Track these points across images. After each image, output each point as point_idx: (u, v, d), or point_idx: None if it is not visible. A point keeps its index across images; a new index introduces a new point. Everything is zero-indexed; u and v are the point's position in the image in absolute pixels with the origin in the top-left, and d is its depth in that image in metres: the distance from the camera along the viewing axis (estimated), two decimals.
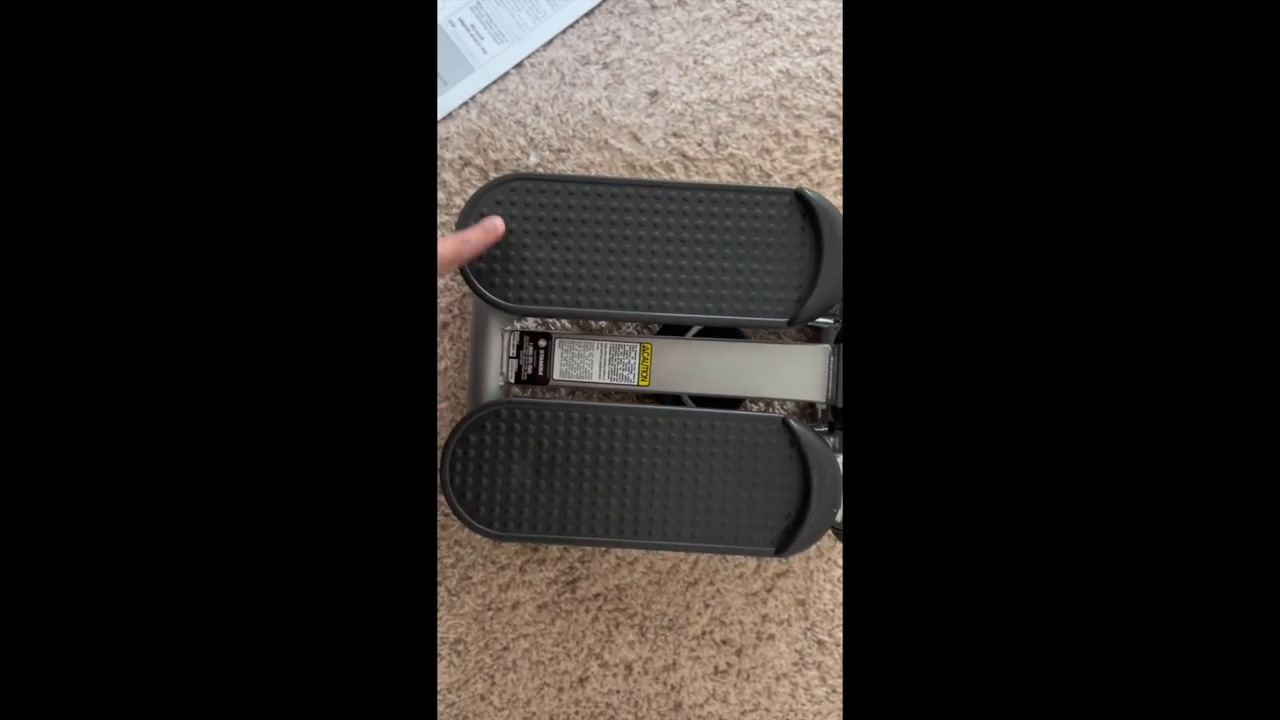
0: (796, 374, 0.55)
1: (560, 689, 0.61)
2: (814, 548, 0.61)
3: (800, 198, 0.51)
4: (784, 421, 0.51)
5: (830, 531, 0.55)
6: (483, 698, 0.61)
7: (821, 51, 0.63)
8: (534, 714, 0.61)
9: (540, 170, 0.62)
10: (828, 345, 0.55)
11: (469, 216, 0.51)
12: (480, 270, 0.51)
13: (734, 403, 0.57)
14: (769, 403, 0.61)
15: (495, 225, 0.48)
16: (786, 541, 0.50)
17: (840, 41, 0.63)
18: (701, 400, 0.57)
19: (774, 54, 0.63)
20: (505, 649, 0.61)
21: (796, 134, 0.62)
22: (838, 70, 0.63)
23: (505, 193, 0.51)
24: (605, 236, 0.51)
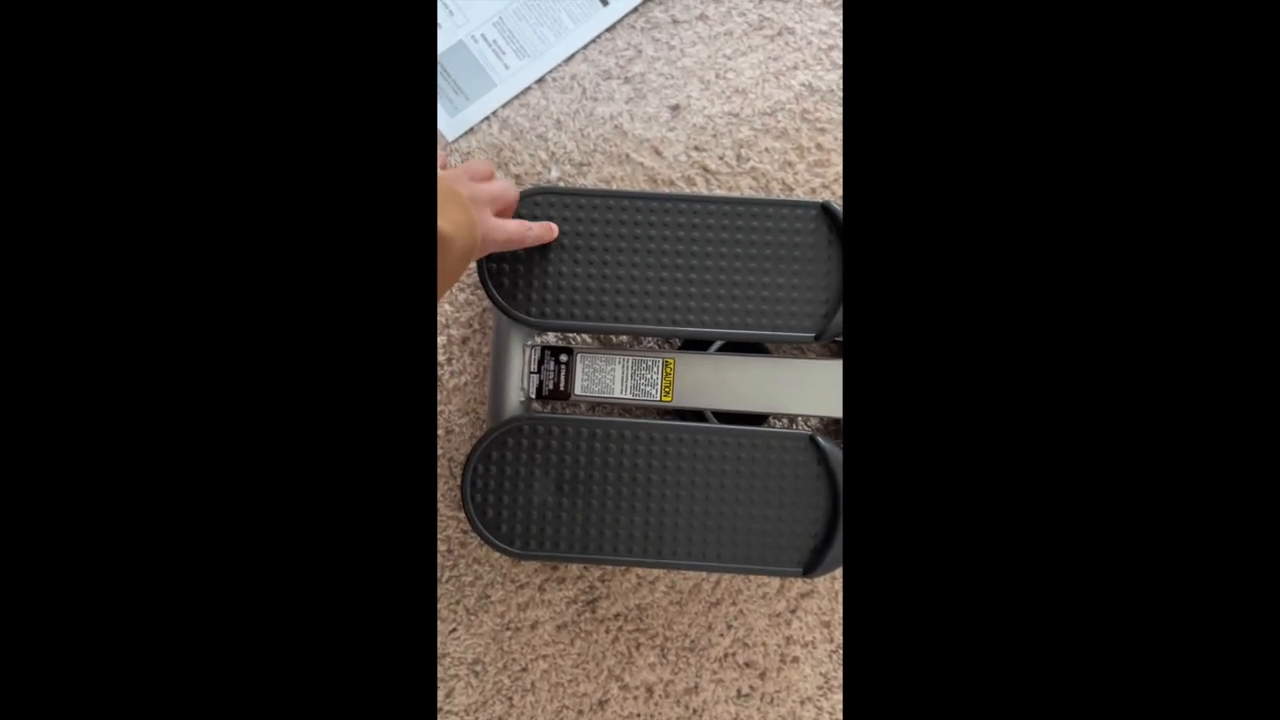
0: (822, 390, 0.54)
1: (580, 712, 0.60)
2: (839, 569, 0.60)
3: (827, 211, 0.51)
4: (811, 439, 0.50)
5: None
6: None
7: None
8: None
9: (562, 184, 0.61)
10: None
11: None
12: (502, 285, 0.51)
13: (758, 419, 0.56)
14: (793, 419, 0.60)
15: (552, 231, 0.51)
16: (814, 562, 0.49)
17: None
18: (725, 416, 0.56)
19: (796, 67, 0.63)
20: (524, 670, 0.60)
21: (819, 147, 0.62)
22: None
23: (529, 206, 0.51)
24: (628, 250, 0.51)
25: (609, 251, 0.51)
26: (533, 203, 0.51)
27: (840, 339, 0.57)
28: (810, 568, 0.49)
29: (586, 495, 0.50)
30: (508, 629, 0.60)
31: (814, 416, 0.58)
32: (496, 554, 0.60)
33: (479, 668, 0.60)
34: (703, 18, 0.63)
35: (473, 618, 0.60)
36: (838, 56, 0.63)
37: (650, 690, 0.60)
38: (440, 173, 0.41)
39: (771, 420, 0.59)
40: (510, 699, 0.60)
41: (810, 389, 0.54)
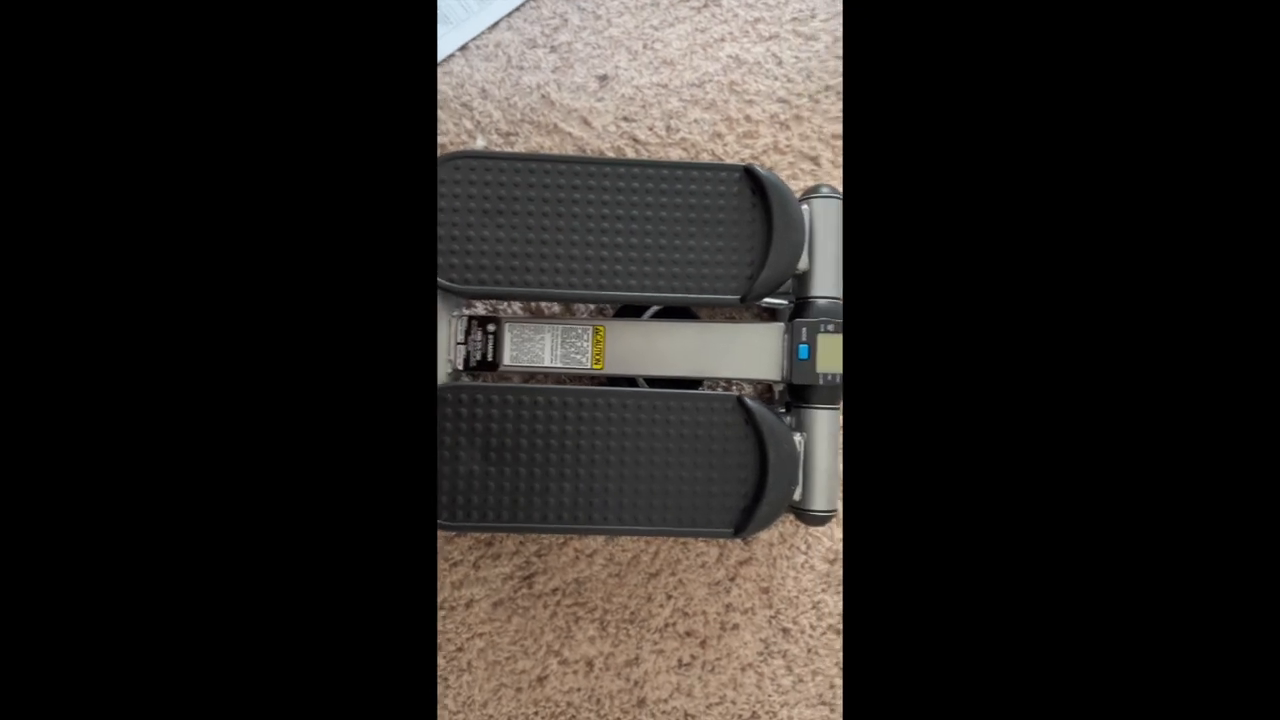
0: (752, 353, 0.54)
1: (519, 689, 0.59)
2: (776, 534, 0.60)
3: (750, 174, 0.51)
4: (739, 399, 0.50)
5: (791, 513, 0.54)
6: (437, 702, 0.59)
7: (770, 38, 0.63)
8: (491, 716, 0.58)
9: None
10: (782, 324, 0.54)
11: None
12: None
13: (692, 384, 0.56)
14: (728, 384, 0.60)
15: None
16: (745, 521, 0.49)
17: (787, 28, 0.63)
18: (658, 383, 0.55)
19: (723, 39, 0.63)
20: (459, 650, 0.59)
21: (748, 119, 0.62)
22: (786, 56, 0.63)
23: (449, 171, 0.50)
24: (554, 215, 0.50)
25: (534, 216, 0.50)
26: (453, 167, 0.50)
27: (766, 306, 0.57)
28: (740, 527, 0.49)
29: (514, 464, 0.49)
30: (441, 608, 0.59)
31: (745, 379, 0.59)
32: None
33: None
34: None
35: None
36: (764, 29, 0.63)
37: (590, 664, 0.59)
38: None
39: (706, 385, 0.59)
40: (446, 680, 0.59)
41: (739, 353, 0.54)
